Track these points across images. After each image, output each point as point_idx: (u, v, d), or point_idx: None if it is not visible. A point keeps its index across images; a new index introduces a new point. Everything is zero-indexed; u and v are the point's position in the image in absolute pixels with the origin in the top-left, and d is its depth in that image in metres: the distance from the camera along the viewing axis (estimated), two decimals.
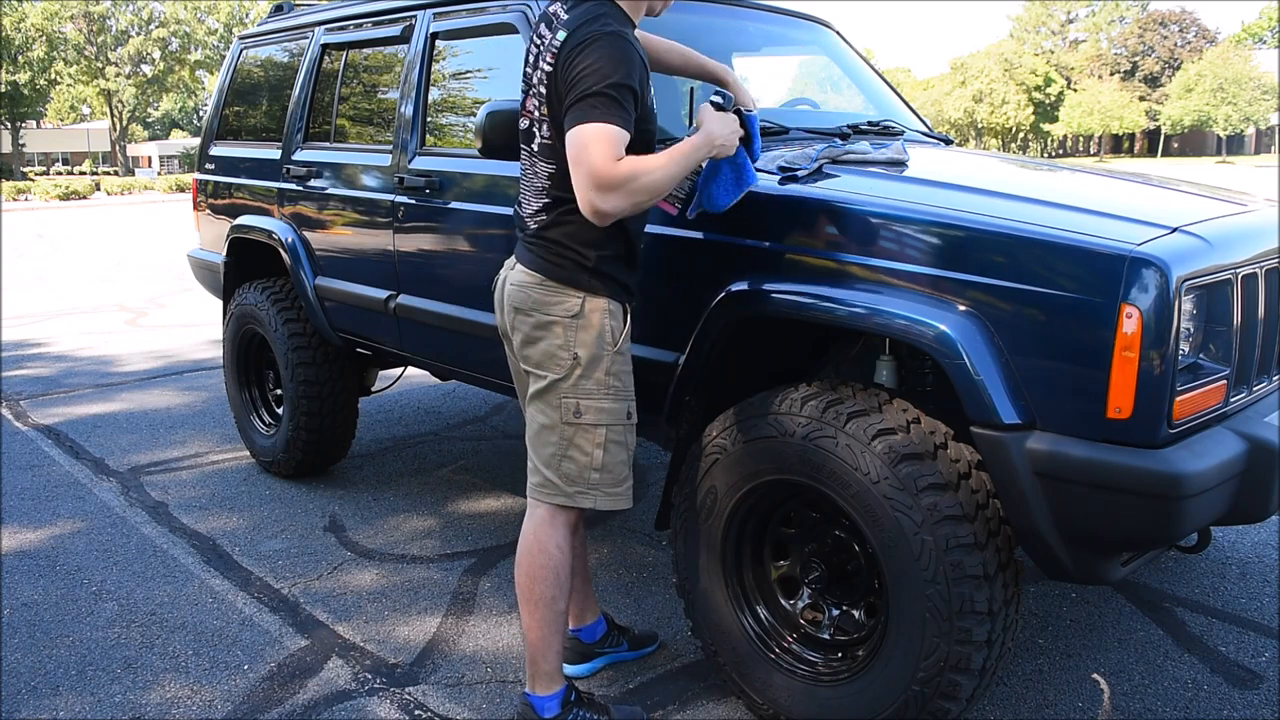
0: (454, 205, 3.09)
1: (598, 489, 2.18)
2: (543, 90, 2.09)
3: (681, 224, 2.40)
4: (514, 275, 2.20)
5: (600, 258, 2.12)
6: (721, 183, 2.19)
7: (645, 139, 2.10)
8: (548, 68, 2.06)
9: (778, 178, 2.28)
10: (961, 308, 1.92)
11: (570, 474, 2.17)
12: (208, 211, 4.55)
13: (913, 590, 1.95)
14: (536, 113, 2.13)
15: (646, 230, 2.46)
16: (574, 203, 2.01)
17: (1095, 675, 2.56)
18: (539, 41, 2.13)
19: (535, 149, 2.16)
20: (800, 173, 2.29)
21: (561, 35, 2.03)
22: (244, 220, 4.08)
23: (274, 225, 3.89)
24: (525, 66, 2.19)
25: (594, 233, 2.08)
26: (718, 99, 2.16)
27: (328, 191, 3.63)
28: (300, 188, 3.77)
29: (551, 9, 2.14)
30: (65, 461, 4.41)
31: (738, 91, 2.41)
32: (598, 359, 2.13)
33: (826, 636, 2.28)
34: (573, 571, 2.30)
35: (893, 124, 3.23)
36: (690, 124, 2.41)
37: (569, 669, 2.49)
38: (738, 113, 2.17)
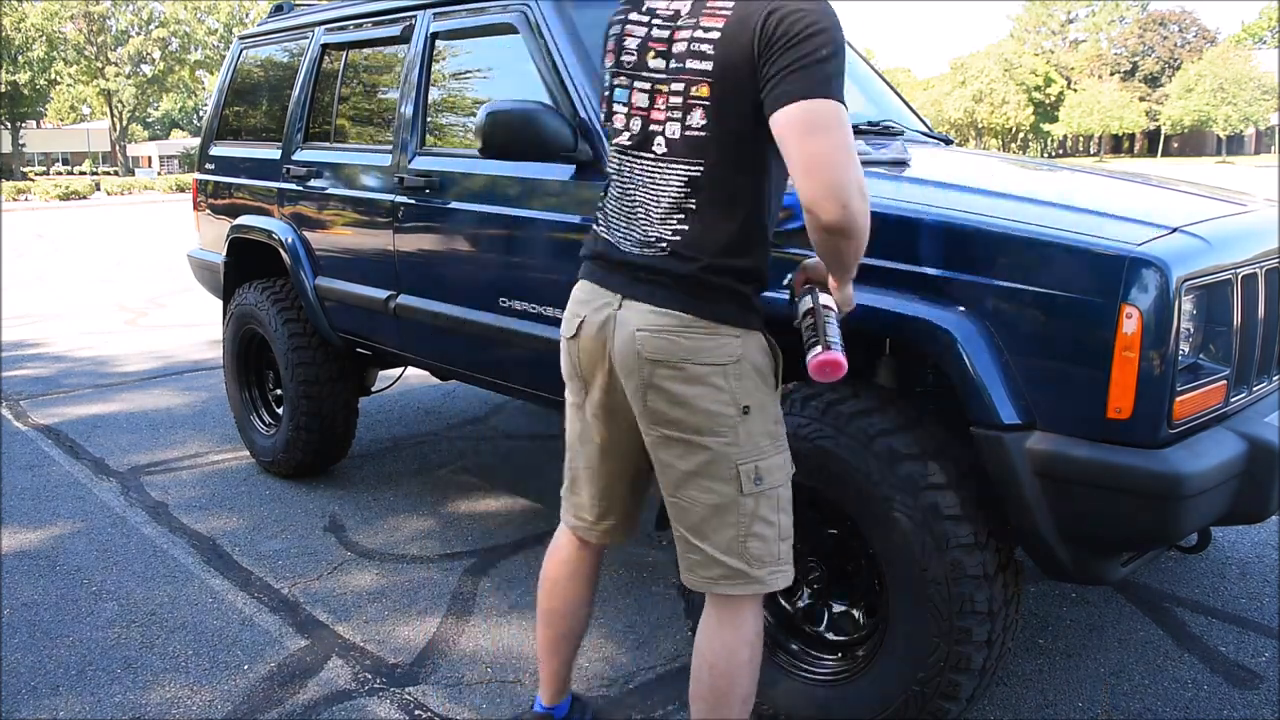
0: (454, 205, 3.09)
1: (788, 560, 1.78)
2: (698, 65, 1.59)
3: None
4: (642, 318, 1.68)
5: (756, 285, 1.71)
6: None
7: None
8: (711, 30, 1.57)
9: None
10: (961, 308, 1.92)
11: (759, 554, 1.73)
12: (208, 211, 4.55)
13: (913, 590, 1.95)
14: (680, 99, 1.62)
15: None
16: (730, 216, 1.63)
17: (1095, 675, 2.56)
18: (671, 7, 1.64)
19: (665, 150, 1.66)
20: None
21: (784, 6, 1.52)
22: (244, 220, 4.09)
23: (274, 225, 3.89)
24: (630, 49, 1.69)
25: (753, 251, 1.67)
26: None
27: (328, 191, 3.63)
28: (300, 188, 3.77)
29: None
30: (65, 461, 4.41)
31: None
32: (765, 406, 1.72)
33: (826, 637, 2.28)
34: (576, 636, 2.09)
35: (893, 124, 3.23)
36: None
37: None
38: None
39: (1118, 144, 69.35)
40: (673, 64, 1.62)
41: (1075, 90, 66.23)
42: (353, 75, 3.75)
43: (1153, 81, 67.38)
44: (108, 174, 48.19)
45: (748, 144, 1.62)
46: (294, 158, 3.84)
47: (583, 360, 1.80)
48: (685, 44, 1.60)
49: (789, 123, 1.50)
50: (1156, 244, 1.81)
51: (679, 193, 1.65)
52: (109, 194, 33.62)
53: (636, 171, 1.71)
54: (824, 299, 1.71)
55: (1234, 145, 63.54)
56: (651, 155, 1.68)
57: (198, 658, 2.70)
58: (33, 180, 39.54)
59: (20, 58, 43.99)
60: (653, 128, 1.67)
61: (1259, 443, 1.88)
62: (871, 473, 1.96)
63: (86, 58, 46.74)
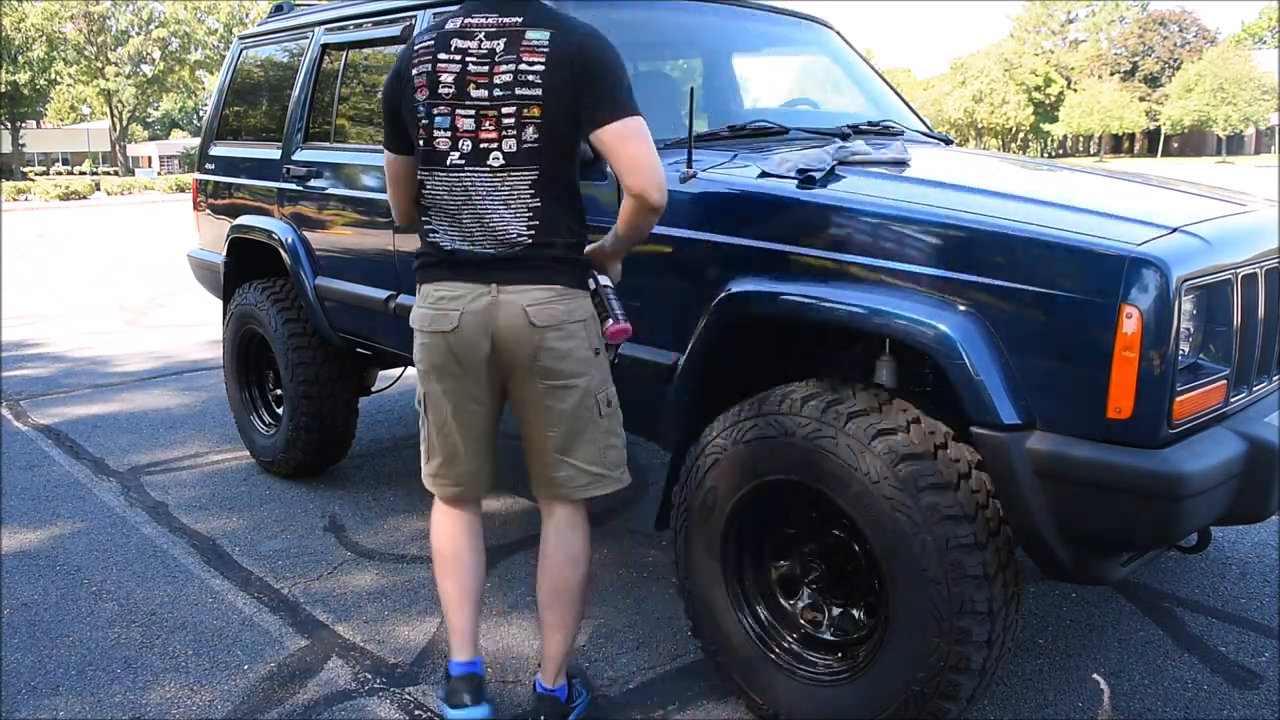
0: None
1: (619, 469, 2.28)
2: (527, 91, 1.99)
3: (680, 224, 2.40)
4: (528, 297, 2.07)
5: (582, 260, 2.17)
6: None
7: None
8: (535, 64, 1.99)
9: (795, 180, 2.28)
10: (961, 308, 1.92)
11: (614, 459, 2.25)
12: (208, 211, 4.55)
13: (913, 590, 1.95)
14: (512, 119, 2.01)
15: None
16: (562, 204, 2.09)
17: (1095, 675, 2.56)
18: (483, 47, 2.02)
19: (503, 161, 2.03)
20: (817, 174, 2.29)
21: (540, 33, 2.00)
22: (244, 220, 4.08)
23: (274, 225, 3.89)
24: (447, 83, 2.04)
25: (580, 227, 2.16)
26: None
27: (328, 191, 3.63)
28: (300, 188, 3.77)
29: (469, 21, 2.05)
30: (65, 461, 4.41)
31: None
32: (601, 349, 2.21)
33: (826, 636, 2.28)
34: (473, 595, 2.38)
35: (893, 124, 3.23)
36: (690, 123, 2.41)
37: (473, 712, 2.30)
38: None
39: (1118, 144, 69.35)
40: (498, 92, 2.01)
41: (1075, 90, 66.23)
42: (353, 75, 3.75)
43: (1153, 81, 67.38)
44: (108, 174, 48.20)
45: (570, 147, 2.09)
46: (294, 158, 3.84)
47: (462, 348, 2.14)
48: (510, 76, 2.00)
49: (613, 135, 2.00)
50: (1156, 244, 1.81)
51: (525, 194, 2.05)
52: (109, 194, 33.63)
53: (476, 184, 2.06)
54: (603, 280, 2.20)
55: (1234, 145, 63.53)
56: (489, 168, 2.05)
57: (198, 658, 2.70)
58: (33, 180, 39.55)
59: (20, 58, 43.99)
60: (484, 145, 2.04)
61: (1259, 443, 1.88)
62: (871, 473, 1.96)
63: (86, 58, 46.74)
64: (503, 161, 2.04)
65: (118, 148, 51.85)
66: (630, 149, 1.99)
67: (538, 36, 2.00)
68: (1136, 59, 68.70)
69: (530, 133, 2.02)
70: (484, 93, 2.02)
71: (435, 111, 2.06)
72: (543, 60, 1.99)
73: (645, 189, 2.00)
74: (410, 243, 3.28)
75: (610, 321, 2.16)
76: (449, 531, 2.39)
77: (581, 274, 2.14)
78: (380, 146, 3.40)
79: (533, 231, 2.07)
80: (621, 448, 2.27)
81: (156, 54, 48.76)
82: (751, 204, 2.30)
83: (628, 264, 2.40)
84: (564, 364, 2.12)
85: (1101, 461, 1.78)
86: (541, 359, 2.11)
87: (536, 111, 2.01)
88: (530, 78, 1.99)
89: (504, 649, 2.73)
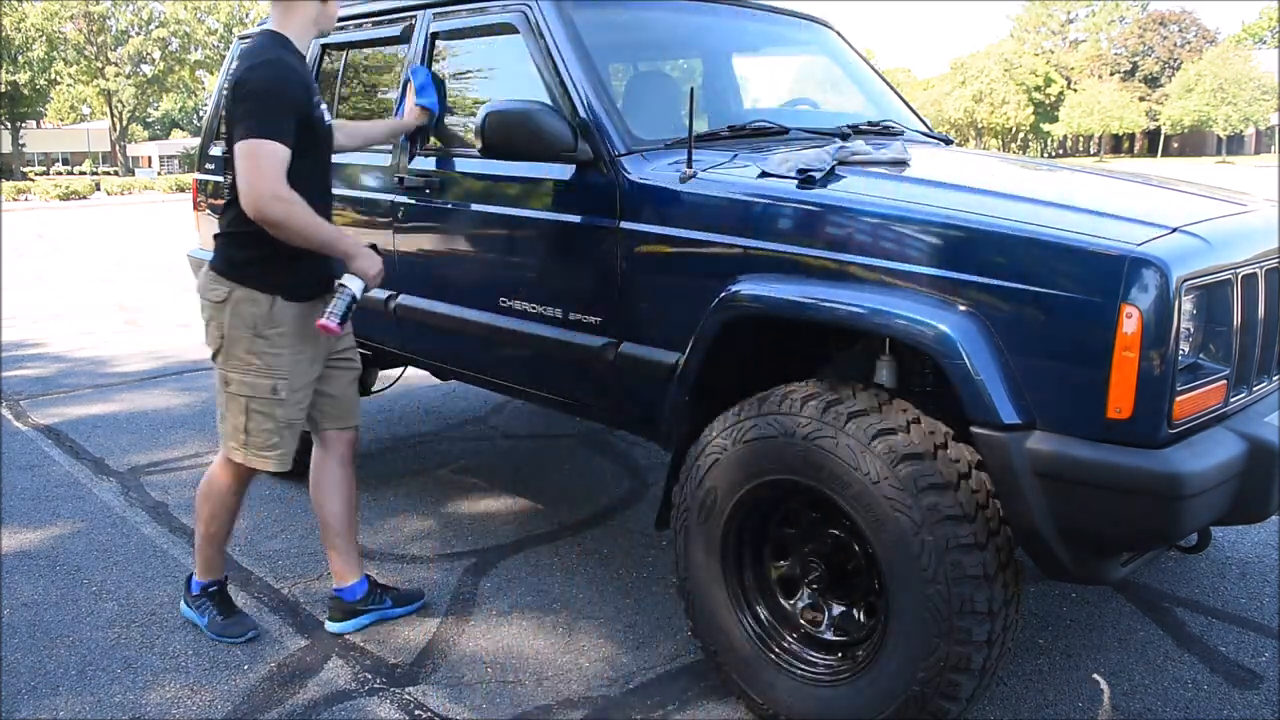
0: (454, 205, 3.09)
1: (248, 449, 2.59)
2: (224, 112, 2.44)
3: (681, 224, 2.40)
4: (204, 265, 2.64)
5: (247, 258, 2.49)
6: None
7: (314, 146, 2.49)
8: (226, 92, 2.43)
9: (795, 180, 2.28)
10: (961, 308, 1.92)
11: (226, 432, 2.62)
12: (208, 211, 4.54)
13: (913, 590, 1.95)
14: (224, 130, 2.48)
15: (647, 229, 2.47)
16: (235, 206, 2.42)
17: (1095, 675, 2.56)
18: (229, 71, 2.53)
19: (225, 161, 2.49)
20: (817, 174, 2.29)
21: (236, 64, 2.44)
22: None
23: None
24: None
25: (245, 236, 2.46)
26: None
27: None
28: None
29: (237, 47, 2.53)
30: (65, 461, 4.41)
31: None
32: (237, 340, 2.51)
33: (826, 636, 2.28)
34: (333, 531, 2.79)
35: (893, 124, 3.24)
36: (690, 123, 2.42)
37: (333, 625, 2.81)
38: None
39: (1118, 144, 69.33)
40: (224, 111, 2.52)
41: (1075, 90, 66.22)
42: (353, 75, 3.75)
43: (1153, 81, 67.36)
44: (108, 174, 48.17)
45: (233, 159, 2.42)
46: None
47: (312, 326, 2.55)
48: (219, 94, 2.48)
49: (236, 156, 2.36)
50: (1156, 244, 1.81)
51: (226, 194, 2.52)
52: (109, 194, 33.61)
53: None
54: (345, 279, 2.51)
55: (1234, 145, 63.52)
56: None
57: (198, 658, 2.70)
58: (33, 180, 39.52)
59: (20, 58, 43.95)
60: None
61: (1259, 443, 1.88)
62: (871, 473, 1.96)
63: (86, 58, 46.70)
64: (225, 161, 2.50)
65: (118, 148, 51.82)
66: (239, 168, 2.35)
67: (235, 67, 2.47)
68: (1136, 59, 68.68)
69: (225, 146, 2.53)
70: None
71: None
72: (228, 87, 2.43)
73: (245, 203, 2.35)
74: (409, 243, 3.29)
75: (319, 318, 2.49)
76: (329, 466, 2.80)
77: (231, 264, 2.51)
78: (380, 147, 3.43)
79: (223, 216, 2.57)
80: (237, 430, 2.58)
81: (156, 54, 48.72)
82: (751, 204, 2.30)
83: (634, 263, 2.41)
84: (205, 333, 2.59)
85: (1101, 461, 1.78)
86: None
87: (224, 129, 2.51)
88: (222, 100, 2.40)
89: (504, 649, 2.74)
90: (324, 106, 2.58)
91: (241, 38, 4.53)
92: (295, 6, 2.52)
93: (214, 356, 2.61)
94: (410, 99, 3.10)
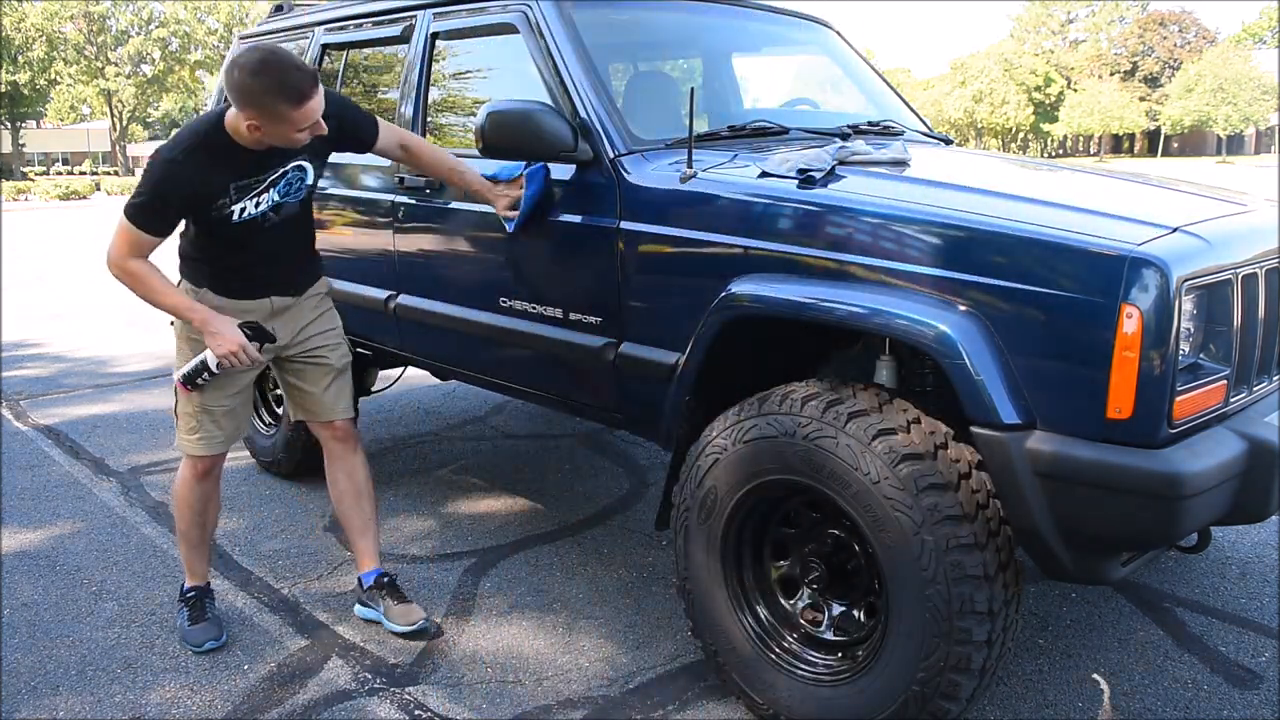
0: (454, 205, 3.09)
1: (178, 434, 2.77)
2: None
3: (680, 224, 2.40)
4: None
5: (183, 255, 2.70)
6: None
7: (217, 232, 2.57)
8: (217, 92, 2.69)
9: (795, 180, 2.28)
10: (962, 308, 1.92)
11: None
12: None
13: (913, 590, 1.95)
14: None
15: (647, 229, 2.47)
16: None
17: (1095, 675, 2.56)
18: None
19: None
20: (817, 174, 2.29)
21: (170, 138, 2.60)
22: None
23: None
24: None
25: (185, 240, 2.68)
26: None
27: (328, 191, 3.62)
28: None
29: None
30: (65, 461, 4.41)
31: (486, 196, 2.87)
32: (179, 332, 2.71)
33: (826, 637, 2.28)
34: (339, 516, 2.99)
35: (893, 124, 3.23)
36: (690, 123, 2.41)
37: (357, 609, 2.94)
38: None
39: (1118, 144, 69.33)
40: None
41: (1075, 90, 66.22)
42: (353, 75, 3.75)
43: (1153, 81, 67.36)
44: (108, 174, 48.17)
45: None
46: None
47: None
48: None
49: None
50: (1157, 244, 1.81)
51: None
52: (109, 194, 33.62)
53: None
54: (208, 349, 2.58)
55: (1234, 145, 63.52)
56: None
57: (198, 658, 2.70)
58: (33, 180, 39.54)
59: (20, 58, 43.99)
60: None
61: (1259, 443, 1.88)
62: (871, 473, 1.96)
63: (86, 58, 46.73)
64: None
65: (118, 148, 51.83)
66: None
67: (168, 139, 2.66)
68: (1136, 59, 68.67)
69: None
70: None
71: None
72: None
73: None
74: (409, 243, 3.29)
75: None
76: (209, 484, 2.87)
77: (180, 260, 2.72)
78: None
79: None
80: (174, 415, 2.76)
81: (156, 54, 48.75)
82: (751, 204, 2.30)
83: (634, 263, 2.40)
84: None
85: (1101, 461, 1.78)
86: None
87: None
88: (222, 102, 2.62)
89: (504, 649, 2.74)
90: (240, 206, 2.53)
91: (242, 38, 4.53)
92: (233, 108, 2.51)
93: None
94: (514, 191, 2.76)
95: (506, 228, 2.76)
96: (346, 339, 2.96)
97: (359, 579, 2.95)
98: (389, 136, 2.80)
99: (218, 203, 2.50)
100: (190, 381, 2.60)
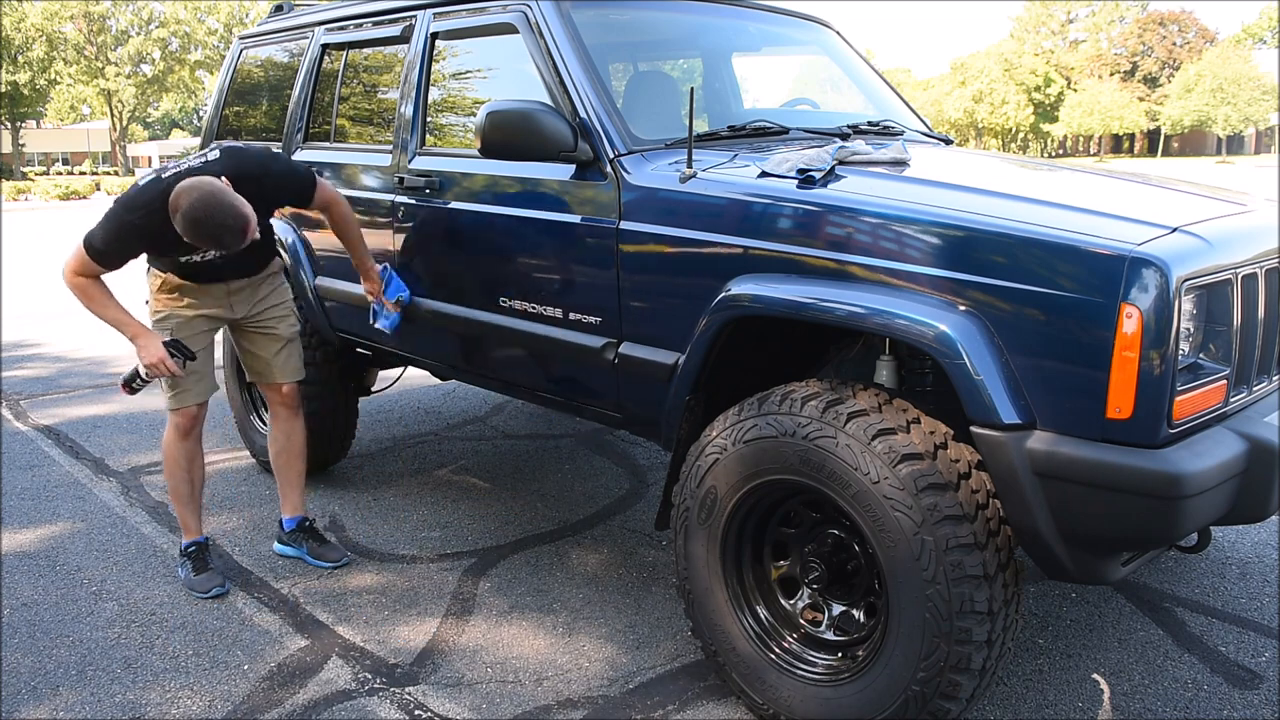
0: (454, 205, 3.09)
1: (163, 397, 3.11)
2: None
3: (680, 224, 2.40)
4: None
5: (152, 260, 3.01)
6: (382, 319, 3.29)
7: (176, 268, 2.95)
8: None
9: (795, 180, 2.28)
10: (962, 308, 1.92)
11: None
12: None
13: (913, 590, 1.95)
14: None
15: (647, 229, 2.47)
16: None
17: (1095, 675, 2.56)
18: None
19: None
20: (817, 174, 2.29)
21: (141, 181, 2.85)
22: None
23: (274, 224, 3.88)
24: None
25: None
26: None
27: None
28: None
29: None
30: (65, 461, 4.41)
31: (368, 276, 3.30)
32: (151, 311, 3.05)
33: (827, 636, 2.28)
34: (282, 477, 3.35)
35: (893, 124, 3.23)
36: (690, 123, 2.41)
37: (276, 546, 3.38)
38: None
39: (1118, 144, 69.31)
40: None
41: (1075, 90, 66.21)
42: (353, 75, 3.75)
43: (1153, 81, 67.36)
44: (108, 174, 48.16)
45: None
46: (294, 158, 3.84)
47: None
48: None
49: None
50: (1156, 244, 1.81)
51: None
52: (109, 194, 33.60)
53: None
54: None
55: (1234, 145, 63.51)
56: None
57: (198, 658, 2.70)
58: (33, 180, 39.51)
59: (20, 58, 43.97)
60: None
61: (1259, 443, 1.88)
62: (871, 473, 1.96)
63: (86, 58, 46.71)
64: None
65: (118, 148, 51.81)
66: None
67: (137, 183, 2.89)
68: (1136, 59, 68.67)
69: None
70: None
71: None
72: None
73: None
74: (409, 243, 3.29)
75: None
76: (193, 438, 3.19)
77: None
78: (380, 147, 3.44)
79: None
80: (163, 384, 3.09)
81: (156, 54, 48.73)
82: (751, 204, 2.30)
83: (633, 263, 2.40)
84: None
85: (1101, 461, 1.78)
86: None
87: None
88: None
89: (504, 649, 2.74)
90: (195, 255, 2.90)
91: (241, 38, 4.54)
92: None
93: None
94: (386, 301, 3.27)
95: (382, 327, 3.29)
96: (296, 310, 3.32)
97: (280, 521, 3.37)
98: (322, 199, 3.10)
99: (175, 249, 2.84)
100: (129, 385, 2.95)
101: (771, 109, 3.69)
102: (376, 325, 3.30)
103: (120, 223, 2.76)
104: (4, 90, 44.30)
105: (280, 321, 3.23)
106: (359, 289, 3.50)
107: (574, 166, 2.65)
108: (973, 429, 1.89)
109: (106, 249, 2.77)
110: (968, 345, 1.86)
